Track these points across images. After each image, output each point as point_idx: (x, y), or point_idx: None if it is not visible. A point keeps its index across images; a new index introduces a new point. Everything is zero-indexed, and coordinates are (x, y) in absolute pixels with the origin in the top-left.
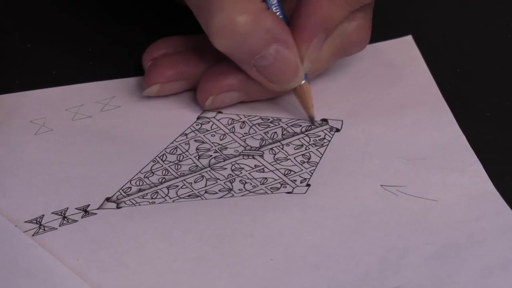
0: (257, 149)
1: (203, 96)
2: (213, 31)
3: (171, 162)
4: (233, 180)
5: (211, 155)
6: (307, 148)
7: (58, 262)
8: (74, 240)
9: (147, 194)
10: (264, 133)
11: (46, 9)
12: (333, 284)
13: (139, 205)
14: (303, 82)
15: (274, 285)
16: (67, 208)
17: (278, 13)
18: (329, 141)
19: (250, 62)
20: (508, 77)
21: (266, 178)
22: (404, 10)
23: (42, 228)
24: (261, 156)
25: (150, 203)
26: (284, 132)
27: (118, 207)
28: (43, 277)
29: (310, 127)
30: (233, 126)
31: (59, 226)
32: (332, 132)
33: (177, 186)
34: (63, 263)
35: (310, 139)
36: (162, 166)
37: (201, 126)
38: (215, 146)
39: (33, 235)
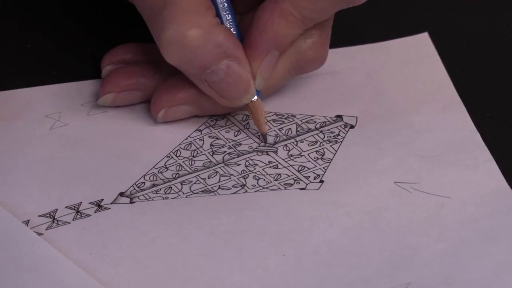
0: (271, 145)
1: (156, 109)
2: (163, 44)
3: (185, 157)
4: (247, 176)
5: (225, 151)
6: (321, 145)
7: (63, 257)
8: (87, 235)
9: (160, 189)
10: (279, 129)
11: (46, 9)
12: (344, 280)
13: (152, 200)
14: (255, 98)
15: (286, 281)
16: (81, 202)
17: (232, 29)
18: (343, 137)
19: (201, 77)
20: (508, 77)
21: (279, 174)
22: (412, 8)
23: (56, 222)
24: (275, 152)
25: (163, 198)
26: (299, 128)
27: (131, 202)
28: (48, 272)
29: (324, 124)
30: (248, 123)
31: (72, 220)
32: (347, 129)
33: (191, 181)
34: (75, 257)
35: (324, 136)
36: (176, 161)
37: (215, 122)
38: (229, 142)
39: (46, 229)
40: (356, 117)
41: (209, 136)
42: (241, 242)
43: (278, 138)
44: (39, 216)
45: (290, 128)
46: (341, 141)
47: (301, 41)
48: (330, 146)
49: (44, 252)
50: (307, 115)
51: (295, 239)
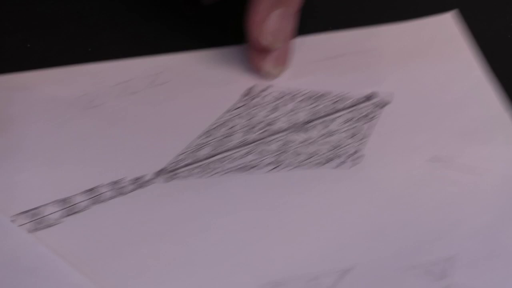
0: (305, 123)
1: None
2: None
3: (220, 136)
4: (282, 154)
5: (260, 129)
6: (356, 122)
7: (58, 258)
8: (126, 212)
9: (197, 167)
10: (313, 107)
11: (46, 9)
12: (384, 255)
13: (189, 178)
14: None
15: (326, 254)
16: (119, 179)
17: None
18: (378, 115)
19: None
20: (508, 77)
21: (314, 152)
22: None
23: (95, 200)
24: (310, 130)
25: (200, 177)
26: (332, 106)
27: (168, 181)
28: (44, 274)
29: (358, 101)
30: (282, 101)
31: (111, 198)
32: (381, 107)
33: (227, 159)
34: (115, 234)
35: (359, 113)
36: (212, 139)
37: (250, 101)
38: (264, 120)
39: (85, 207)
40: (392, 93)
41: (245, 114)
42: (279, 218)
43: (313, 116)
44: (79, 194)
45: (325, 106)
46: (376, 119)
47: None
48: (365, 123)
49: (39, 254)
50: (341, 93)
51: (333, 215)
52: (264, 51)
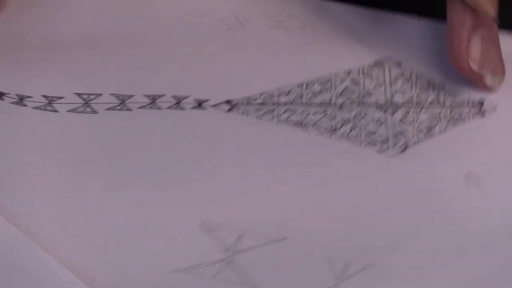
0: (397, 105)
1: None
2: None
3: (313, 91)
4: (345, 124)
5: (350, 98)
6: (439, 121)
7: (49, 257)
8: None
9: (263, 108)
10: (417, 93)
11: None
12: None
13: (247, 115)
14: None
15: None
16: (187, 96)
17: None
18: (466, 123)
19: None
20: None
21: (375, 132)
22: None
23: (155, 105)
24: (392, 113)
25: (257, 117)
26: (434, 99)
27: (230, 110)
28: (34, 273)
29: (459, 104)
30: (397, 80)
31: (169, 108)
32: (475, 116)
33: (295, 112)
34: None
35: (450, 114)
36: (301, 92)
37: (369, 72)
38: (362, 90)
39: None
40: (497, 104)
41: (351, 80)
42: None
43: (409, 102)
44: (144, 95)
45: (427, 96)
46: (460, 125)
47: None
48: (446, 124)
49: (29, 252)
50: (455, 89)
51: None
52: (473, 79)
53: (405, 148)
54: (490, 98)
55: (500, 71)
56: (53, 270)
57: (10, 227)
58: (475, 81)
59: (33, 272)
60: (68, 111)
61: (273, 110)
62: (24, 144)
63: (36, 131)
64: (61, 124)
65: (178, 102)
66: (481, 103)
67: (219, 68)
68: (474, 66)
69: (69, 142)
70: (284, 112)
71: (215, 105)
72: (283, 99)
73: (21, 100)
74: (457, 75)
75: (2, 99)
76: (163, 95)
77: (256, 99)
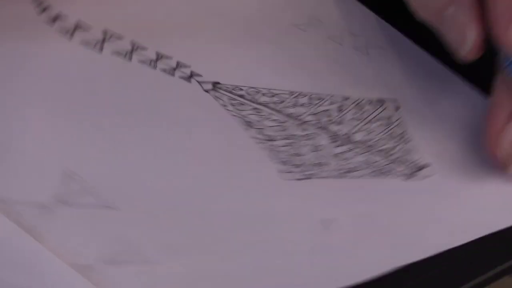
0: (348, 141)
1: None
2: None
3: (295, 102)
4: (287, 139)
5: (318, 120)
6: (366, 167)
7: (43, 249)
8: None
9: (236, 99)
10: (378, 139)
11: None
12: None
13: (218, 99)
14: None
15: None
16: (188, 66)
17: None
18: (384, 178)
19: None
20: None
21: (299, 154)
22: None
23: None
24: (336, 146)
25: (221, 104)
26: (385, 150)
27: (208, 90)
28: (27, 266)
29: (402, 161)
30: (377, 121)
31: (163, 70)
32: (400, 176)
33: (259, 112)
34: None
35: (383, 166)
36: (286, 98)
37: (362, 105)
38: (336, 118)
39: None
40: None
41: (338, 105)
42: None
43: (361, 143)
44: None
45: (383, 143)
46: (377, 178)
47: None
48: (368, 172)
49: (23, 245)
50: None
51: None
52: (495, 163)
53: (306, 177)
54: (438, 166)
55: None
56: (53, 266)
57: (9, 223)
58: (496, 165)
59: (32, 268)
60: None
61: (242, 104)
62: None
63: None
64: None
65: (175, 68)
66: (420, 168)
67: (242, 54)
68: (500, 153)
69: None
70: (249, 110)
71: (200, 81)
72: (263, 98)
73: None
74: None
75: None
76: (170, 57)
77: (241, 89)
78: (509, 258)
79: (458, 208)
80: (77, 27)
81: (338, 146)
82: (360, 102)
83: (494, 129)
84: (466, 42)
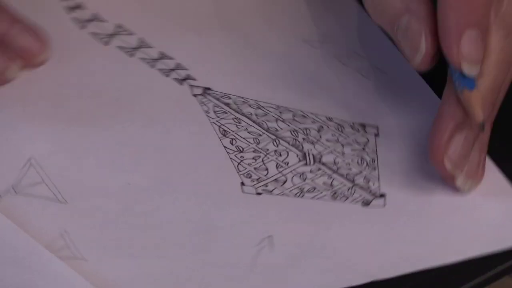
0: (315, 160)
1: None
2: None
3: (277, 116)
4: (256, 153)
5: (294, 136)
6: (323, 190)
7: (43, 248)
8: None
9: (221, 107)
10: (347, 163)
11: None
12: None
13: (204, 105)
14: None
15: None
16: (186, 69)
17: None
18: (343, 202)
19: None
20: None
21: (263, 168)
22: None
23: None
24: (304, 164)
25: (205, 110)
26: (351, 174)
27: (197, 95)
28: (28, 264)
29: (364, 187)
30: (349, 145)
31: (160, 69)
32: (359, 202)
33: (239, 123)
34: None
35: (346, 191)
36: (270, 112)
37: (343, 128)
38: (309, 137)
39: None
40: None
41: (319, 125)
42: None
43: (330, 164)
44: None
45: (350, 168)
46: (334, 201)
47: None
48: (325, 194)
49: (24, 244)
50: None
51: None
52: (443, 176)
53: (265, 193)
54: (395, 196)
55: (476, 176)
56: (52, 265)
57: (9, 222)
58: (445, 178)
59: (31, 266)
60: None
61: (225, 112)
62: None
63: None
64: None
65: (172, 69)
66: (382, 196)
67: (241, 64)
68: (448, 165)
69: None
70: (229, 119)
71: (192, 85)
72: (248, 109)
73: None
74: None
75: None
76: (171, 58)
77: (229, 98)
78: (509, 258)
79: (404, 241)
80: (93, 18)
81: (304, 165)
82: (342, 124)
83: (441, 141)
84: (418, 52)
